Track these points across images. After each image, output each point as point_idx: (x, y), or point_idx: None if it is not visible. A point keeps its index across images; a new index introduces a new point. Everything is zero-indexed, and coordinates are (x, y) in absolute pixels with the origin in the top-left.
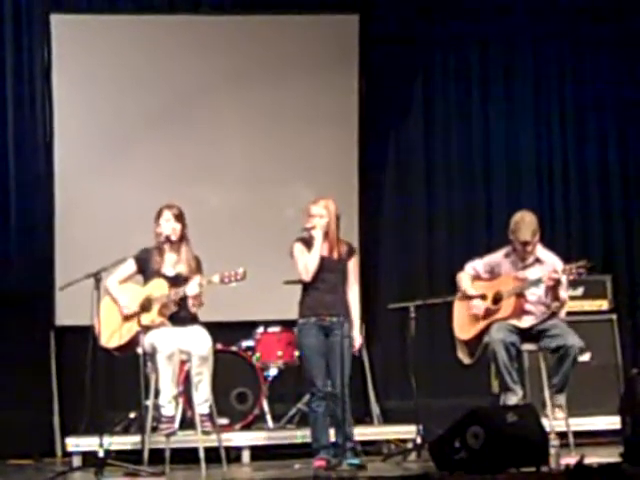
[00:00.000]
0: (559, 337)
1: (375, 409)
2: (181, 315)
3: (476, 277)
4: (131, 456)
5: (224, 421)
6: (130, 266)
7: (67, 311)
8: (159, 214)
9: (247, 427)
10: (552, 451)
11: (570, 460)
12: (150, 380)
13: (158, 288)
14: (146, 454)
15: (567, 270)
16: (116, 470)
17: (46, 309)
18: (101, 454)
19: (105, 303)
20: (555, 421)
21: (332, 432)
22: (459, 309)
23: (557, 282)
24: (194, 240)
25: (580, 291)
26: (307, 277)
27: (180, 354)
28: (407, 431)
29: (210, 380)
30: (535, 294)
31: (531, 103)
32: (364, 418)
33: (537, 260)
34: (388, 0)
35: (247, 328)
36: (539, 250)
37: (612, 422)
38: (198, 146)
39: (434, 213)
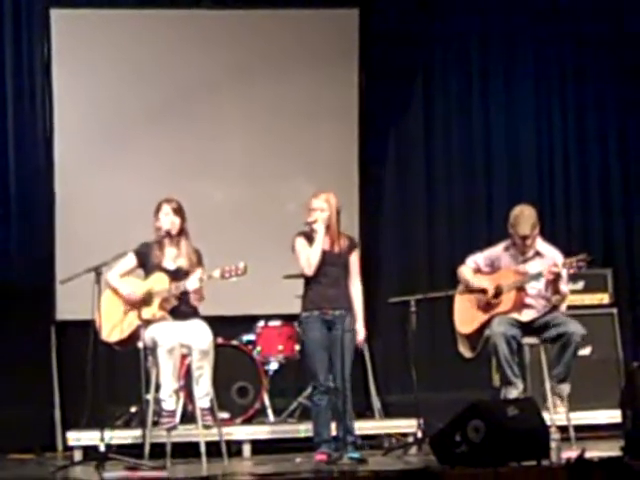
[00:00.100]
0: (560, 325)
1: (376, 403)
2: (182, 309)
3: (477, 271)
4: (132, 450)
5: (225, 415)
6: (130, 260)
7: (68, 305)
8: (158, 208)
9: (248, 421)
10: (553, 445)
11: (571, 454)
12: (151, 374)
13: (159, 282)
14: (147, 448)
15: (567, 264)
16: (117, 464)
17: (47, 303)
18: (102, 448)
19: (106, 297)
20: (556, 415)
21: (333, 426)
22: (460, 302)
23: (557, 276)
24: (195, 235)
25: (580, 285)
26: (309, 271)
27: (181, 348)
28: (408, 425)
29: (211, 374)
30: (535, 288)
31: (531, 97)
32: (365, 412)
33: (537, 254)
34: None
35: (248, 322)
36: (539, 244)
37: (613, 416)
38: (198, 140)
39: (434, 207)
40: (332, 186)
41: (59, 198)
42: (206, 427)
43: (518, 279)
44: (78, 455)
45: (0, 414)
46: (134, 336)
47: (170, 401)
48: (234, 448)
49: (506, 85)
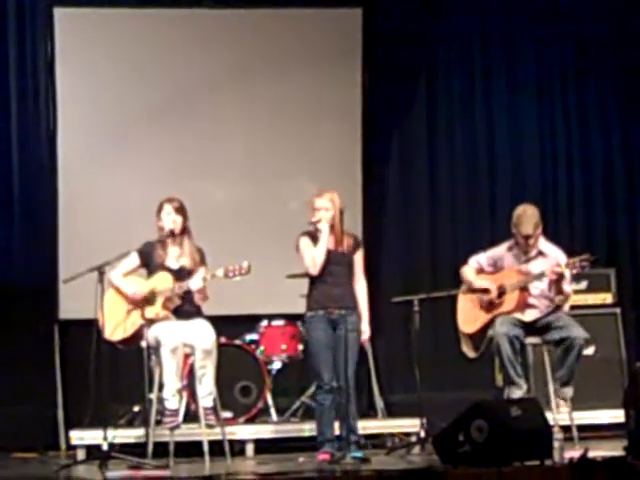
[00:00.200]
0: (563, 329)
1: (379, 402)
2: (185, 308)
3: (480, 271)
4: (135, 449)
5: (228, 414)
6: (134, 260)
7: (71, 305)
8: (160, 208)
9: (251, 420)
10: (556, 445)
11: (574, 454)
12: (154, 373)
13: (162, 281)
14: (150, 447)
15: (570, 264)
16: (120, 463)
17: (50, 302)
18: (105, 447)
19: (109, 296)
20: (559, 415)
21: (337, 425)
22: (463, 303)
23: (560, 276)
24: (198, 234)
25: (584, 284)
26: (314, 271)
27: (184, 347)
28: (411, 424)
29: (214, 373)
30: (538, 288)
31: (534, 97)
32: (368, 411)
33: (540, 253)
34: None
35: (251, 322)
36: (542, 243)
37: (616, 415)
38: (200, 140)
39: (437, 207)
40: (335, 186)
41: (62, 197)
42: (209, 426)
43: (521, 279)
44: (81, 454)
45: (3, 413)
46: (137, 335)
47: (173, 400)
48: (237, 447)
49: (508, 85)
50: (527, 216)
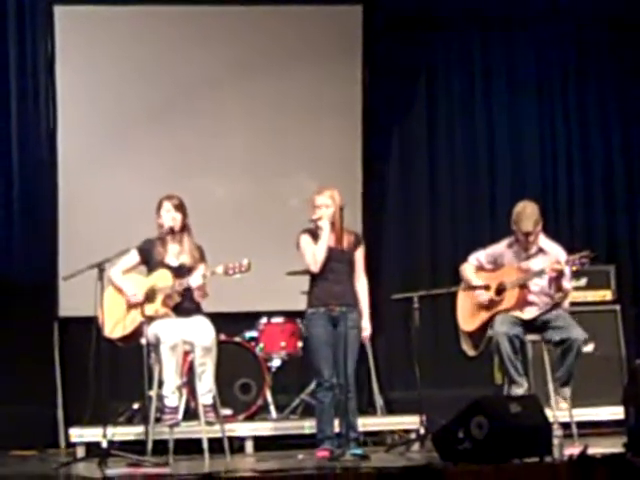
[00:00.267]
0: (563, 330)
1: (379, 400)
2: (185, 306)
3: (479, 268)
4: (135, 447)
5: (227, 412)
6: (133, 257)
7: (71, 302)
8: (159, 205)
9: (250, 418)
10: (556, 441)
11: (574, 450)
12: (154, 371)
13: (162, 279)
14: (150, 445)
15: (570, 260)
16: (120, 461)
17: (49, 300)
18: (105, 445)
19: (109, 294)
20: (559, 412)
21: (336, 422)
22: (463, 300)
23: (560, 273)
24: (198, 232)
25: (583, 281)
26: (315, 268)
27: (184, 345)
28: (411, 422)
29: (213, 371)
30: (538, 285)
31: (534, 96)
32: (367, 409)
33: (540, 250)
34: None
35: (250, 319)
36: (542, 240)
37: (615, 412)
38: (201, 137)
39: (437, 204)
40: (335, 183)
41: (62, 195)
42: (209, 424)
43: (521, 276)
44: (81, 452)
45: (3, 411)
46: (137, 333)
47: (173, 397)
48: (236, 444)
49: (509, 84)
50: (527, 213)
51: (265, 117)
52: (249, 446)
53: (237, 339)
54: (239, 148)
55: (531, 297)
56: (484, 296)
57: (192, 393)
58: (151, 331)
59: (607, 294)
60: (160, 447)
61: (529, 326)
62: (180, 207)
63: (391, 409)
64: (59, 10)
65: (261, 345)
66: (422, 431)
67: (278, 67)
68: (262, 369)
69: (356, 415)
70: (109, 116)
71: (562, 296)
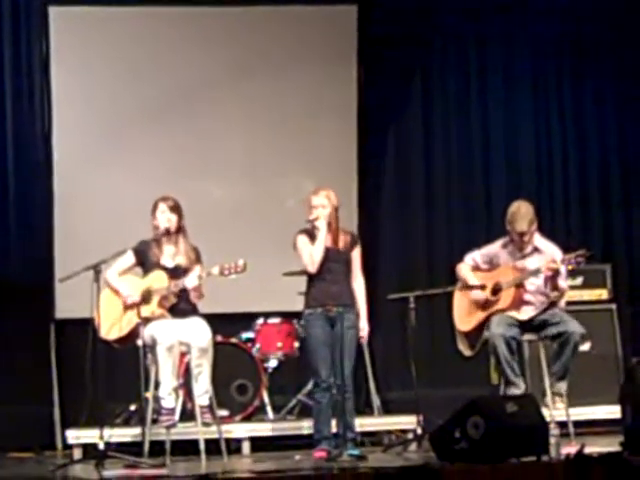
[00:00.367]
0: (560, 324)
1: (375, 400)
2: (181, 307)
3: (475, 268)
4: (131, 448)
5: (224, 413)
6: (129, 258)
7: (67, 304)
8: (155, 207)
9: (247, 418)
10: (552, 441)
11: (570, 449)
12: (150, 372)
13: (158, 280)
14: (146, 446)
15: (566, 259)
16: (117, 462)
17: (45, 302)
18: (101, 446)
19: (105, 295)
20: (555, 411)
21: (334, 423)
22: (459, 300)
23: (556, 272)
24: (195, 232)
25: (579, 280)
26: (313, 268)
27: (180, 346)
28: (407, 422)
29: (210, 372)
30: (534, 284)
31: (530, 94)
32: (364, 409)
33: (536, 249)
34: None
35: (247, 320)
36: (537, 239)
37: (612, 411)
38: (197, 138)
39: (433, 204)
40: (331, 183)
41: (58, 196)
42: (205, 425)
43: (517, 276)
44: (77, 453)
45: None
46: (133, 334)
47: (169, 399)
48: (233, 445)
49: (504, 82)
50: (521, 213)
51: (261, 117)
52: (246, 447)
53: (233, 340)
54: (235, 149)
55: (527, 296)
56: (480, 295)
57: (189, 394)
58: (147, 332)
59: (603, 293)
60: (157, 448)
61: (526, 326)
62: (175, 208)
63: (388, 409)
64: (54, 11)
65: (257, 346)
66: (419, 431)
67: (274, 67)
68: (259, 370)
69: (353, 415)
70: (104, 117)
71: (558, 295)
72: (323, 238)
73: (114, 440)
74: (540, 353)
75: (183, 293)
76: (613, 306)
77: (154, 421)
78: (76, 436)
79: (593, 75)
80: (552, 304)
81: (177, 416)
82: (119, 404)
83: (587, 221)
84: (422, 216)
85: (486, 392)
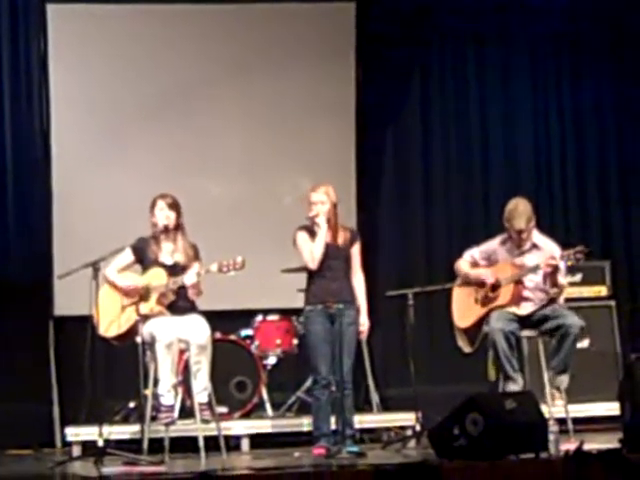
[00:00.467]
0: (559, 317)
1: (374, 397)
2: (179, 304)
3: (474, 265)
4: (131, 445)
5: (223, 410)
6: (128, 255)
7: (65, 301)
8: (153, 204)
9: (246, 415)
10: (551, 437)
11: (569, 446)
12: (149, 369)
13: (156, 277)
14: (145, 443)
15: (565, 256)
16: (116, 459)
17: (44, 299)
18: (100, 443)
19: (104, 292)
20: (554, 407)
21: (333, 420)
22: (458, 296)
23: (555, 268)
24: (194, 230)
25: (579, 277)
26: (313, 265)
27: (179, 343)
28: (406, 418)
29: (209, 369)
30: (533, 280)
31: (529, 93)
32: (363, 406)
33: (534, 246)
34: None
35: (246, 317)
36: (536, 236)
37: (611, 408)
38: (196, 136)
39: (432, 201)
40: (330, 180)
41: (56, 194)
42: (204, 422)
43: (516, 272)
44: (77, 450)
45: None
46: (132, 331)
47: (168, 396)
48: (232, 442)
49: (503, 82)
50: (519, 211)
51: (259, 115)
52: (245, 444)
53: (232, 337)
54: (233, 146)
55: (526, 293)
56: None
57: (187, 391)
58: (146, 330)
59: (602, 290)
60: (156, 445)
61: (525, 322)
62: (174, 206)
63: (387, 406)
64: (52, 8)
65: (256, 343)
66: (418, 428)
67: (272, 65)
68: (257, 367)
69: (353, 412)
70: (103, 114)
71: (557, 292)
72: (323, 235)
73: (113, 437)
74: (539, 350)
75: (182, 290)
76: (612, 303)
77: (153, 418)
78: (75, 433)
79: (591, 74)
80: (551, 300)
81: (176, 413)
82: (118, 401)
83: (586, 218)
84: (421, 214)
85: (485, 389)
